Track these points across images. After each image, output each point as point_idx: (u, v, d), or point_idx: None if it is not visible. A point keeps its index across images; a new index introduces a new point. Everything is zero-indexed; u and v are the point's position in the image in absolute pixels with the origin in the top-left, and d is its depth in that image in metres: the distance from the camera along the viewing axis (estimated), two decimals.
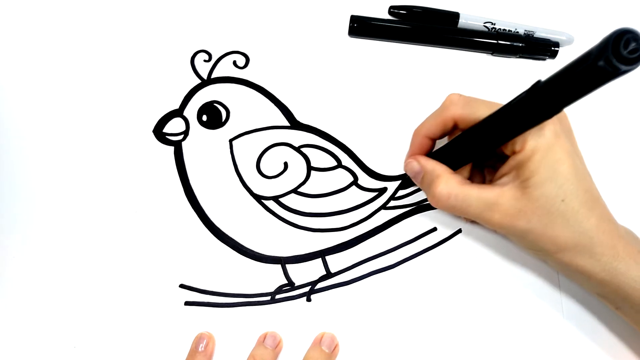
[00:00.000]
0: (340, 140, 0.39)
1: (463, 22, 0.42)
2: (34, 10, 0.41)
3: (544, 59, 0.42)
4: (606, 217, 0.29)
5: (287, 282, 0.36)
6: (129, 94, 0.39)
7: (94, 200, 0.37)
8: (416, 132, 0.34)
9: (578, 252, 0.29)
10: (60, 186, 0.37)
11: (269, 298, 0.35)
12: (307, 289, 0.36)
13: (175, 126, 0.39)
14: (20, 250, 0.36)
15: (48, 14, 0.41)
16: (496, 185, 0.30)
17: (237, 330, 0.35)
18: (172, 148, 0.38)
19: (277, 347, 0.34)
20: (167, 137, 0.39)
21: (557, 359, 0.34)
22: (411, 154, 0.35)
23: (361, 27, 0.41)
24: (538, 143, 0.28)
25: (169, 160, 0.38)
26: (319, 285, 0.36)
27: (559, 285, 0.36)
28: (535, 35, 0.41)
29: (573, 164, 0.28)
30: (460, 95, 0.32)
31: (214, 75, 0.40)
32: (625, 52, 0.20)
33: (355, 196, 0.38)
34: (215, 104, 0.39)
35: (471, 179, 0.33)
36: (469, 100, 0.31)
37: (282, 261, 0.36)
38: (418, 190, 0.38)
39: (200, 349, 0.33)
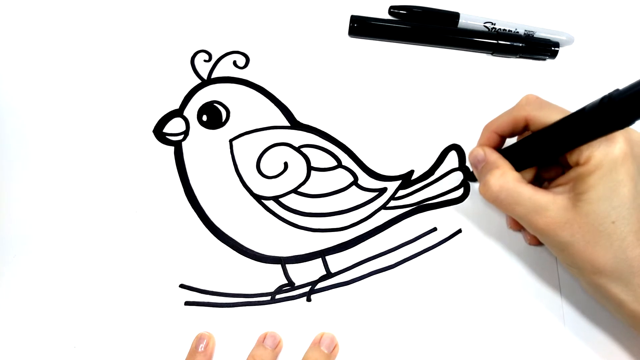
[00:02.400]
0: (340, 140, 0.39)
1: (463, 22, 0.42)
2: (34, 10, 0.41)
3: (544, 59, 0.42)
4: None
5: (287, 282, 0.36)
6: (129, 94, 0.39)
7: (94, 200, 0.37)
8: (486, 127, 0.34)
9: (615, 278, 0.28)
10: (61, 186, 0.37)
11: (269, 298, 0.35)
12: (307, 289, 0.36)
13: (175, 126, 0.39)
14: (21, 250, 0.36)
15: (48, 14, 0.41)
16: (550, 192, 0.29)
17: (237, 330, 0.35)
18: (172, 148, 0.38)
19: (276, 347, 0.34)
20: (167, 137, 0.39)
21: (557, 355, 0.34)
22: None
23: (361, 27, 0.41)
24: (604, 160, 0.27)
25: (169, 160, 0.38)
26: (319, 285, 0.36)
27: (559, 287, 0.36)
28: (535, 35, 0.41)
29: (634, 189, 0.27)
30: (537, 97, 0.31)
31: (214, 75, 0.40)
32: None
33: (355, 196, 0.38)
34: (215, 104, 0.39)
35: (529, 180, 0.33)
36: (544, 103, 0.31)
37: (282, 261, 0.36)
38: (418, 190, 0.38)
39: (200, 349, 0.33)
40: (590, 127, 0.27)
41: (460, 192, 0.38)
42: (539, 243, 0.35)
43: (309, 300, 0.36)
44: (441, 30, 0.41)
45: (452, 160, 0.39)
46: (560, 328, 0.35)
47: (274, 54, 0.41)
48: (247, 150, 0.38)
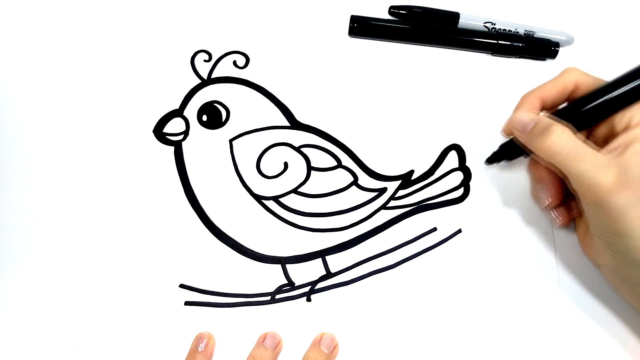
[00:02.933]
0: (340, 140, 0.39)
1: (463, 22, 0.42)
2: (34, 11, 0.41)
3: (544, 59, 0.42)
4: None
5: (287, 282, 0.36)
6: (129, 94, 0.39)
7: (94, 200, 0.37)
8: (528, 94, 0.34)
9: None
10: (61, 186, 0.37)
11: (269, 298, 0.35)
12: (307, 289, 0.36)
13: (175, 126, 0.39)
14: (21, 250, 0.36)
15: (48, 14, 0.41)
16: (607, 153, 0.29)
17: (237, 330, 0.35)
18: (172, 148, 0.38)
19: (276, 347, 0.34)
20: (167, 137, 0.39)
21: (557, 358, 0.34)
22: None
23: (361, 27, 0.41)
24: None
25: (169, 160, 0.38)
26: (319, 285, 0.36)
27: (559, 288, 0.36)
28: (535, 36, 0.41)
29: None
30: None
31: (214, 75, 0.40)
32: None
33: (355, 196, 0.38)
34: (215, 104, 0.39)
35: None
36: (588, 74, 0.32)
37: (282, 261, 0.36)
38: (417, 190, 0.38)
39: (200, 349, 0.33)
40: None
41: (460, 192, 0.38)
42: (569, 222, 0.35)
43: (309, 300, 0.36)
44: (441, 30, 0.41)
45: (452, 160, 0.39)
46: (562, 330, 0.35)
47: (274, 54, 0.41)
48: (247, 150, 0.38)
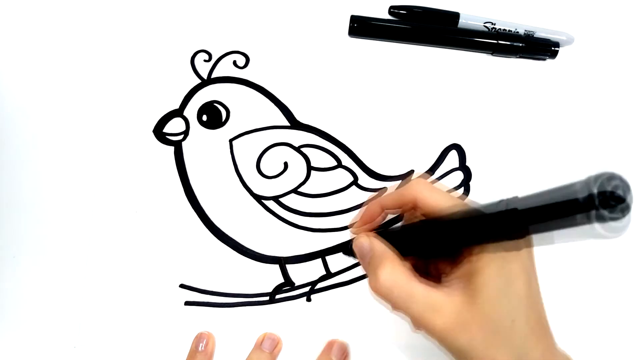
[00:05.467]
0: (340, 140, 0.39)
1: (463, 22, 0.42)
2: (34, 10, 0.41)
3: (544, 59, 0.42)
4: (551, 348, 0.26)
5: (287, 282, 0.36)
6: (129, 94, 0.39)
7: (94, 200, 0.37)
8: (372, 200, 0.32)
9: None
10: (61, 186, 0.37)
11: (268, 298, 0.35)
12: (307, 289, 0.36)
13: (175, 126, 0.39)
14: (20, 250, 0.36)
15: (48, 14, 0.41)
16: (444, 287, 0.27)
17: (237, 330, 0.35)
18: (172, 148, 0.38)
19: (275, 349, 0.34)
20: (167, 137, 0.39)
21: None
22: (362, 222, 0.33)
23: (361, 27, 0.41)
24: (496, 252, 0.25)
25: (169, 160, 0.38)
26: (319, 285, 0.36)
27: (557, 286, 0.36)
28: (535, 35, 0.41)
29: (529, 283, 0.25)
30: (427, 181, 0.30)
31: (214, 75, 0.40)
32: (608, 215, 0.18)
33: (355, 196, 0.38)
34: (215, 104, 0.39)
35: (417, 265, 0.30)
36: (434, 188, 0.29)
37: (282, 261, 0.36)
38: None
39: (200, 349, 0.33)
40: (489, 233, 0.24)
41: (460, 192, 0.38)
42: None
43: (308, 300, 0.36)
44: (441, 30, 0.41)
45: (452, 160, 0.39)
46: (561, 327, 0.35)
47: (274, 54, 0.41)
48: (247, 150, 0.38)
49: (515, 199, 0.22)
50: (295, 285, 0.36)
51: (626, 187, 0.18)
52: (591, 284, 0.37)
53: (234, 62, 0.40)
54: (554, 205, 0.20)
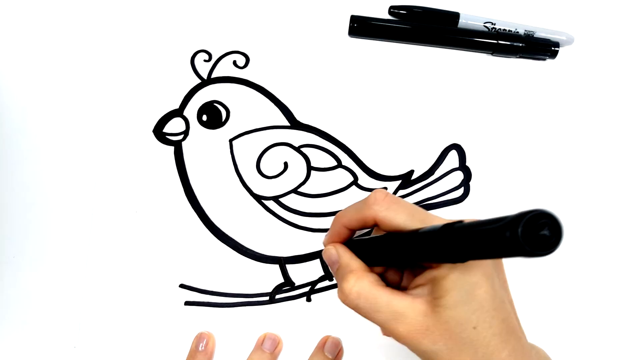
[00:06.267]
0: (340, 140, 0.39)
1: (463, 22, 0.42)
2: (34, 10, 0.41)
3: (544, 59, 0.42)
4: (520, 350, 0.26)
5: (287, 282, 0.36)
6: (129, 94, 0.39)
7: (95, 200, 0.37)
8: (336, 219, 0.32)
9: None
10: (61, 186, 0.37)
11: (268, 298, 0.35)
12: (307, 289, 0.36)
13: (175, 126, 0.39)
14: (20, 250, 0.36)
15: (48, 14, 0.41)
16: (408, 295, 0.27)
17: (237, 330, 0.35)
18: (172, 148, 0.38)
19: (275, 349, 0.34)
20: (167, 137, 0.39)
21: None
22: (330, 240, 0.32)
23: (361, 27, 0.41)
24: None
25: (169, 160, 0.38)
26: (319, 285, 0.36)
27: (557, 287, 0.36)
28: (535, 35, 0.41)
29: (491, 289, 0.25)
30: (387, 195, 0.29)
31: (214, 75, 0.40)
32: (532, 251, 0.18)
33: (355, 196, 0.38)
34: (215, 104, 0.39)
35: (386, 275, 0.30)
36: (392, 203, 0.29)
37: (282, 261, 0.36)
38: (418, 190, 0.38)
39: (200, 349, 0.33)
40: (431, 253, 0.24)
41: (460, 192, 0.38)
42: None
43: (308, 300, 0.36)
44: (441, 30, 0.41)
45: (452, 160, 0.39)
46: (560, 328, 0.35)
47: (274, 54, 0.41)
48: (247, 150, 0.38)
49: (459, 222, 0.23)
50: (295, 285, 0.36)
51: (555, 226, 0.18)
52: (591, 284, 0.37)
53: (234, 62, 0.40)
54: (484, 235, 0.20)
